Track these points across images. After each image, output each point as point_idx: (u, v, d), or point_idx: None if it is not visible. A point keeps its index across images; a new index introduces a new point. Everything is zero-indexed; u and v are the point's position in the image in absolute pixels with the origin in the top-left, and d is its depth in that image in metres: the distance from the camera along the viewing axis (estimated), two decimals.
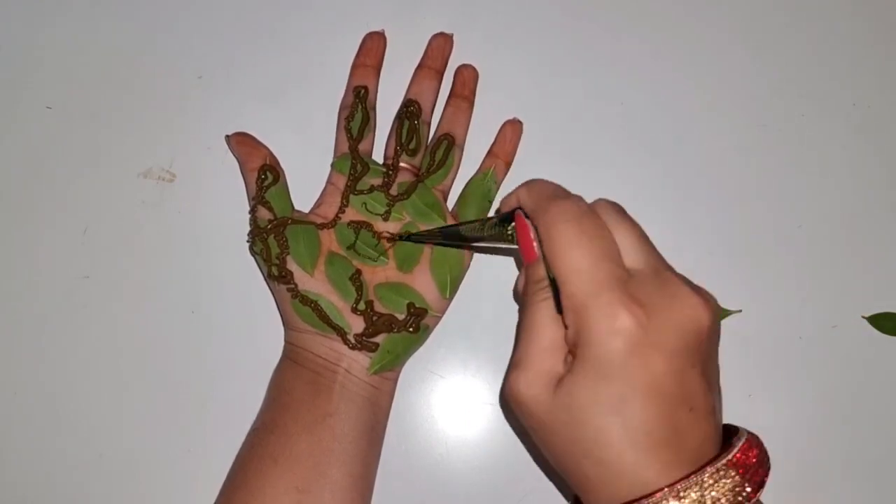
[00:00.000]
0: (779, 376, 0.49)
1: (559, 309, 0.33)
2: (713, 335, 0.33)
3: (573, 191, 0.49)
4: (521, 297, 0.36)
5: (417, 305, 0.45)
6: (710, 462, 0.31)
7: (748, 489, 0.31)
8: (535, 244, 0.35)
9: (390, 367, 0.45)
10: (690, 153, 0.50)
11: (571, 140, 0.50)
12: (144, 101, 0.50)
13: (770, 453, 0.49)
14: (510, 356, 0.35)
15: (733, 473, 0.31)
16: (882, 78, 0.52)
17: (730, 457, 0.31)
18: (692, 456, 0.31)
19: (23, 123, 0.49)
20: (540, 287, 0.34)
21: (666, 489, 0.30)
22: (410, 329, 0.45)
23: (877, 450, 0.49)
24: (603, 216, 0.34)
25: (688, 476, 0.31)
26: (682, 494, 0.30)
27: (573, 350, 0.33)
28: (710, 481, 0.31)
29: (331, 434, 0.42)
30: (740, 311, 0.49)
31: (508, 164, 0.48)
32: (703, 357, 0.32)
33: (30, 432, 0.48)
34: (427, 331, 0.46)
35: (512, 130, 0.48)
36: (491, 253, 0.48)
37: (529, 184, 0.36)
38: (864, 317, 0.49)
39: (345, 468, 0.42)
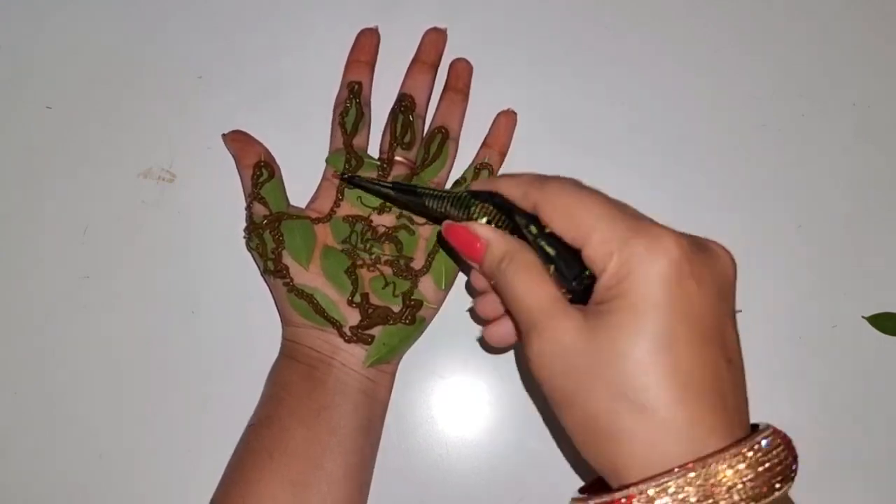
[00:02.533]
0: (779, 376, 0.49)
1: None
2: (735, 290, 0.32)
3: None
4: (495, 279, 0.34)
5: (413, 297, 0.45)
6: (761, 430, 0.29)
7: (791, 462, 0.29)
8: (481, 237, 0.34)
9: (386, 359, 0.45)
10: (689, 152, 0.50)
11: (566, 134, 0.50)
12: (144, 101, 0.50)
13: None
14: (519, 334, 0.34)
15: (779, 443, 0.29)
16: (882, 78, 0.52)
17: (773, 427, 0.29)
18: (733, 416, 0.29)
19: (23, 123, 0.49)
20: (507, 264, 0.33)
21: (720, 452, 0.27)
22: (406, 321, 0.45)
23: (877, 450, 0.49)
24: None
25: (742, 440, 0.28)
26: (738, 458, 0.27)
27: (610, 295, 0.30)
28: (766, 447, 0.28)
29: (327, 427, 0.42)
30: (740, 311, 0.49)
31: (503, 155, 0.48)
32: (731, 309, 0.32)
33: (30, 432, 0.48)
34: (423, 323, 0.46)
35: (506, 121, 0.48)
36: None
37: (511, 175, 0.35)
38: (864, 317, 0.49)
39: (341, 461, 0.42)
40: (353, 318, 0.44)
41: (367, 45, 0.48)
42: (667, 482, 0.27)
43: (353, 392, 0.44)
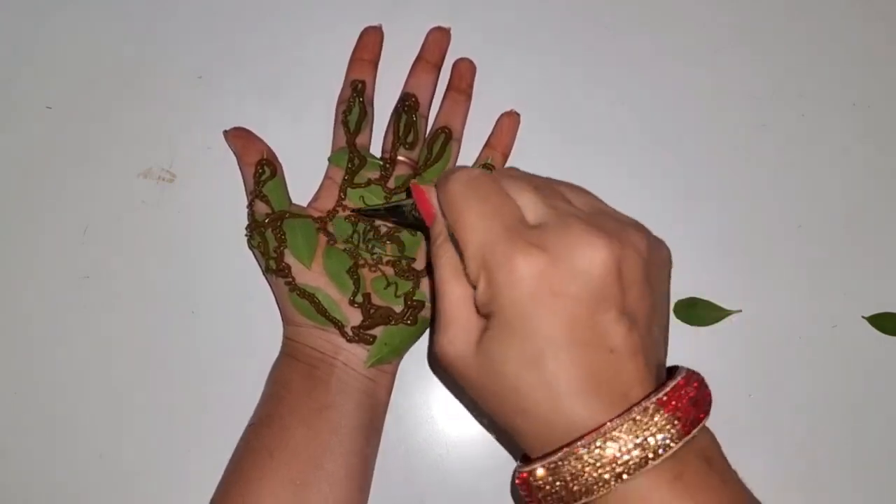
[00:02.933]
0: (779, 376, 0.49)
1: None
2: (631, 274, 0.32)
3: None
4: (433, 250, 0.36)
5: (415, 298, 0.45)
6: (639, 402, 0.31)
7: (678, 426, 0.30)
8: (433, 205, 0.36)
9: (388, 359, 0.45)
10: (690, 152, 0.50)
11: (569, 135, 0.50)
12: (144, 101, 0.50)
13: (770, 453, 0.49)
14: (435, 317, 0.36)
15: (662, 411, 0.31)
16: (882, 78, 0.52)
17: (659, 395, 0.31)
18: (621, 399, 0.31)
19: (23, 123, 0.49)
20: (438, 245, 0.35)
21: (594, 432, 0.30)
22: (408, 322, 0.45)
23: (877, 450, 0.49)
24: (501, 181, 0.34)
25: (615, 417, 0.30)
26: (610, 435, 0.30)
27: (484, 311, 0.33)
28: (641, 419, 0.30)
29: (328, 427, 0.42)
30: (740, 311, 0.49)
31: (505, 157, 0.48)
32: (618, 300, 0.32)
33: (30, 432, 0.48)
34: (425, 323, 0.46)
35: (509, 122, 0.48)
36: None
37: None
38: (864, 317, 0.49)
39: (342, 461, 0.42)
40: (354, 318, 0.44)
41: (370, 44, 0.48)
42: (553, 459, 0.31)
43: (355, 392, 0.44)
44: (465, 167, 0.35)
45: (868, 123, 0.51)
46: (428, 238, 0.45)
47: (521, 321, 0.31)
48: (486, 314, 0.33)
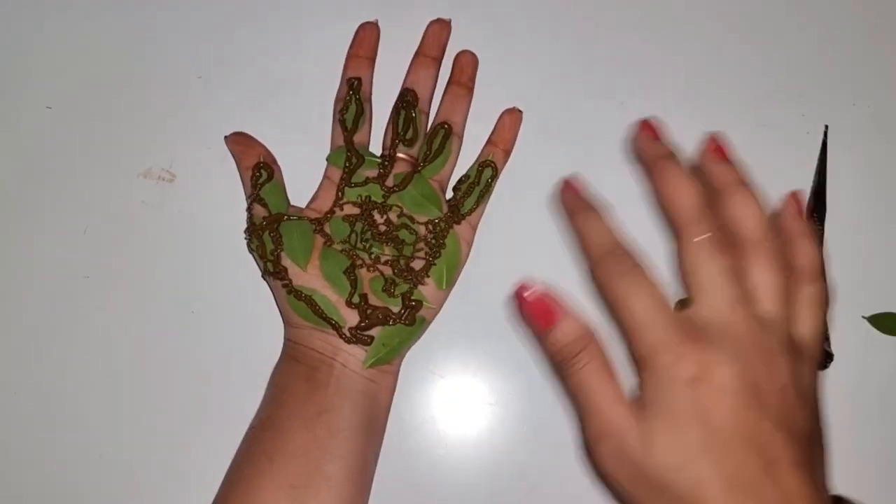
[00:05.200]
0: None
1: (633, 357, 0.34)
2: (801, 389, 0.34)
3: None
4: (560, 366, 0.35)
5: (413, 298, 0.45)
6: None
7: None
8: (558, 307, 0.35)
9: (386, 360, 0.44)
10: (690, 152, 0.50)
11: (570, 132, 0.50)
12: (144, 101, 0.50)
13: None
14: (583, 427, 0.34)
15: None
16: (882, 78, 0.52)
17: None
18: None
19: (23, 123, 0.49)
20: (575, 351, 0.34)
21: None
22: (406, 322, 0.44)
23: (877, 450, 0.49)
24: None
25: None
26: None
27: (647, 401, 0.33)
28: None
29: (326, 430, 0.42)
30: None
31: (507, 153, 0.48)
32: (772, 414, 0.32)
33: (30, 432, 0.48)
34: (424, 323, 0.45)
35: (511, 119, 0.48)
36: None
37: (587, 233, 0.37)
38: (864, 317, 0.49)
39: (341, 463, 0.42)
40: (352, 319, 0.44)
41: (366, 40, 0.48)
42: None
43: (354, 394, 0.43)
44: (614, 252, 0.35)
45: (868, 123, 0.51)
46: None
47: (690, 416, 0.32)
48: (649, 405, 0.33)
